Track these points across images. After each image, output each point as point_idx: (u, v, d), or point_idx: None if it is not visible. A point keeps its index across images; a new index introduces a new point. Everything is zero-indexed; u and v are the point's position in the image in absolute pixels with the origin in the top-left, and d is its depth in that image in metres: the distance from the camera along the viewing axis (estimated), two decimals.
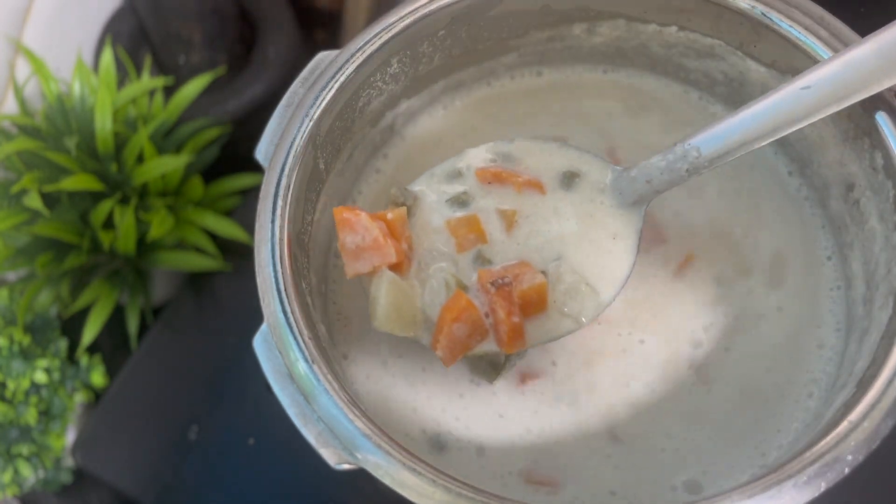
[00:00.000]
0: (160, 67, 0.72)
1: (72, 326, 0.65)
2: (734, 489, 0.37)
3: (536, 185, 0.44)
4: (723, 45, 0.49)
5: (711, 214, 0.50)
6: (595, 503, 0.44)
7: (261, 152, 0.45)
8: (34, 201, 0.58)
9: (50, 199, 0.61)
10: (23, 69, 0.68)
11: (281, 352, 0.40)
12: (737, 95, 0.51)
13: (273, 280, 0.41)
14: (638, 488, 0.44)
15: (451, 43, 0.50)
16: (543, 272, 0.42)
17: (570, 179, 0.44)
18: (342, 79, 0.45)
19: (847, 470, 0.37)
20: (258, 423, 0.59)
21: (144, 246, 0.63)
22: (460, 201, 0.44)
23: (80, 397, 0.63)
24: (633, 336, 0.47)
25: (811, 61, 0.45)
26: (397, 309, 0.41)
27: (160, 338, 0.63)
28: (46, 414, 0.61)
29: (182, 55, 0.70)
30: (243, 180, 0.67)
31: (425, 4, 0.46)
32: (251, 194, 0.67)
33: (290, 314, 0.41)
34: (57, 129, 0.62)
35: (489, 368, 0.44)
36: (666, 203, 0.50)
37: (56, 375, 0.62)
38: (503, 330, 0.41)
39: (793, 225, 0.49)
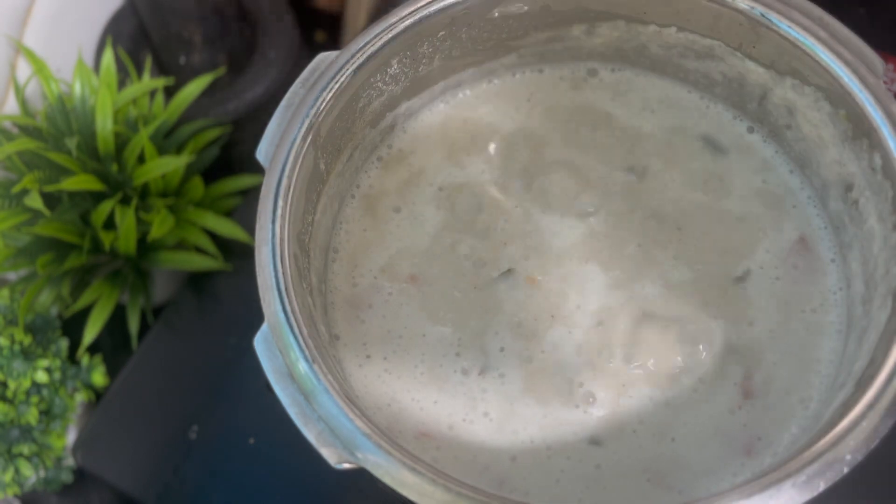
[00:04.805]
0: (161, 68, 0.72)
1: (72, 326, 0.65)
2: (733, 489, 0.37)
3: None
4: (722, 45, 0.49)
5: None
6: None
7: (261, 153, 0.45)
8: (35, 201, 0.58)
9: (51, 200, 0.61)
10: (24, 70, 0.68)
11: (281, 351, 0.40)
12: (736, 96, 0.51)
13: (273, 280, 0.41)
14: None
15: (451, 44, 0.50)
16: None
17: None
18: (342, 80, 0.45)
19: (846, 469, 0.37)
20: (258, 423, 0.59)
21: (145, 246, 0.63)
22: None
23: (80, 397, 0.63)
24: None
25: (811, 62, 0.45)
26: None
27: (160, 338, 0.63)
28: (47, 413, 0.62)
29: (182, 56, 0.70)
30: (244, 181, 0.67)
31: (425, 6, 0.47)
32: (251, 194, 0.67)
33: (290, 314, 0.41)
34: (58, 130, 0.62)
35: None
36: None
37: (57, 375, 0.62)
38: None
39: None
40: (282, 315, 0.41)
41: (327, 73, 0.45)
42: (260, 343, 0.41)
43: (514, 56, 0.53)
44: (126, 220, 0.60)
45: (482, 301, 0.48)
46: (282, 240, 0.42)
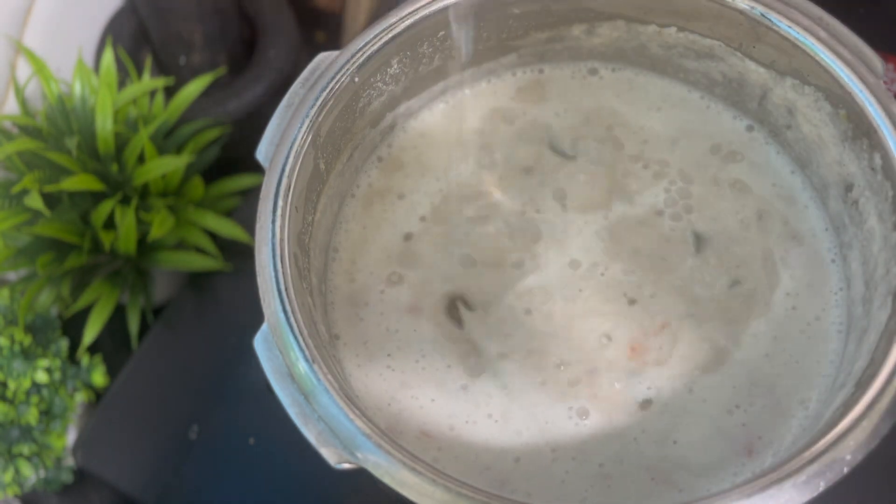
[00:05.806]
0: (161, 68, 0.72)
1: (72, 326, 0.65)
2: (733, 488, 0.37)
3: None
4: (722, 45, 0.49)
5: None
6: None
7: (261, 153, 0.45)
8: (35, 201, 0.58)
9: (51, 200, 0.61)
10: (24, 70, 0.68)
11: (281, 351, 0.40)
12: (736, 96, 0.51)
13: (273, 280, 0.41)
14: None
15: (451, 44, 0.50)
16: None
17: None
18: (342, 80, 0.45)
19: (846, 469, 0.37)
20: (258, 423, 0.59)
21: (145, 246, 0.63)
22: None
23: (80, 397, 0.63)
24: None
25: (811, 62, 0.45)
26: None
27: (160, 338, 0.63)
28: (47, 414, 0.62)
29: (183, 56, 0.70)
30: (244, 181, 0.67)
31: (425, 6, 0.47)
32: (251, 195, 0.67)
33: (290, 314, 0.41)
34: (58, 130, 0.62)
35: None
36: None
37: (57, 375, 0.62)
38: None
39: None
40: (282, 315, 0.41)
41: (327, 73, 0.45)
42: (260, 343, 0.41)
43: (514, 56, 0.53)
44: (126, 220, 0.60)
45: (482, 303, 0.48)
46: (282, 240, 0.42)
